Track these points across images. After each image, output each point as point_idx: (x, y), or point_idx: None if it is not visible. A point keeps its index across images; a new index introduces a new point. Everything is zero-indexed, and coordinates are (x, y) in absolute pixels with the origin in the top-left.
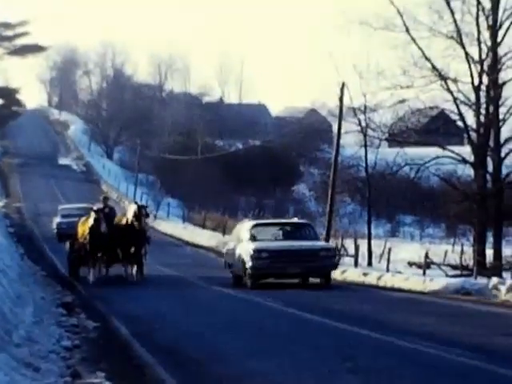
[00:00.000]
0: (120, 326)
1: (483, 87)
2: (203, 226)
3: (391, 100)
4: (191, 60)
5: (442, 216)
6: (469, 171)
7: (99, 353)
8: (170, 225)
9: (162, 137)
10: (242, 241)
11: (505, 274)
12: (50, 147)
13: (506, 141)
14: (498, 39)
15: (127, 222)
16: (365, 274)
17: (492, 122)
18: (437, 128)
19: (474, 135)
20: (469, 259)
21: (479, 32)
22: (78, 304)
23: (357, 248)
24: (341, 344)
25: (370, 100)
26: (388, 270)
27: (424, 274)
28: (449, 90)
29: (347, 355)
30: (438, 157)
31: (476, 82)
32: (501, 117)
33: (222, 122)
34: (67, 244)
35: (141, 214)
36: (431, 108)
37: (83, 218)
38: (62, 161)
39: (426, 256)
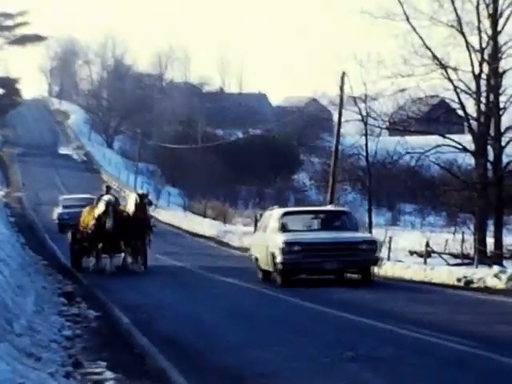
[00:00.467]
0: (121, 315)
1: (484, 76)
2: (204, 215)
3: (392, 89)
4: (191, 50)
5: (442, 205)
6: (469, 160)
7: (100, 342)
8: (171, 214)
9: (162, 126)
10: (271, 231)
11: (506, 263)
12: (51, 137)
13: (507, 129)
14: (499, 28)
15: (128, 212)
16: None
17: (492, 111)
18: (437, 117)
19: (474, 124)
20: (469, 248)
21: (479, 21)
22: (79, 293)
23: None
24: (344, 332)
25: (371, 89)
26: (389, 258)
27: (425, 262)
28: (449, 79)
29: (350, 343)
30: (438, 145)
31: (476, 71)
32: (501, 105)
33: (222, 111)
34: (69, 234)
35: (143, 202)
36: (432, 97)
37: (88, 207)
38: (63, 150)
39: (427, 245)
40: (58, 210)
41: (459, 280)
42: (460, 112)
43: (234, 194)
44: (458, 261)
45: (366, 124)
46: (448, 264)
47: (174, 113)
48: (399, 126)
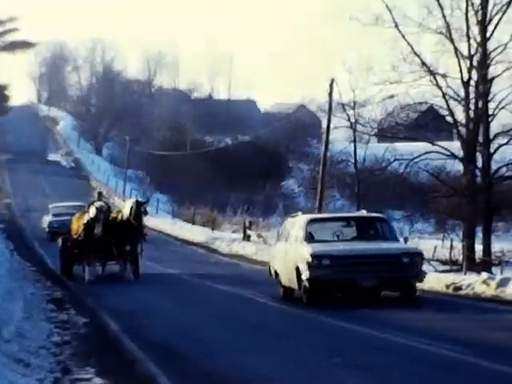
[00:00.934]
0: (110, 322)
1: (472, 82)
2: (192, 222)
3: (380, 95)
4: (180, 56)
5: (431, 211)
6: (458, 166)
7: (89, 348)
8: (160, 220)
9: (151, 132)
10: (295, 242)
11: (494, 269)
12: (40, 143)
13: (496, 136)
14: (488, 34)
15: (122, 218)
16: None
17: (481, 118)
18: (426, 123)
19: (463, 130)
20: (458, 254)
21: (468, 27)
22: (67, 300)
23: None
24: (332, 339)
25: (360, 95)
26: None
27: None
28: (438, 86)
29: (344, 352)
30: (427, 152)
31: (465, 78)
32: (490, 112)
33: (211, 117)
34: (59, 241)
35: (139, 210)
36: (420, 103)
37: (78, 213)
38: (52, 157)
39: None
40: (48, 218)
41: (448, 286)
42: (449, 118)
43: (223, 201)
44: (447, 267)
45: (354, 130)
46: (437, 271)
47: (162, 119)
48: (388, 132)
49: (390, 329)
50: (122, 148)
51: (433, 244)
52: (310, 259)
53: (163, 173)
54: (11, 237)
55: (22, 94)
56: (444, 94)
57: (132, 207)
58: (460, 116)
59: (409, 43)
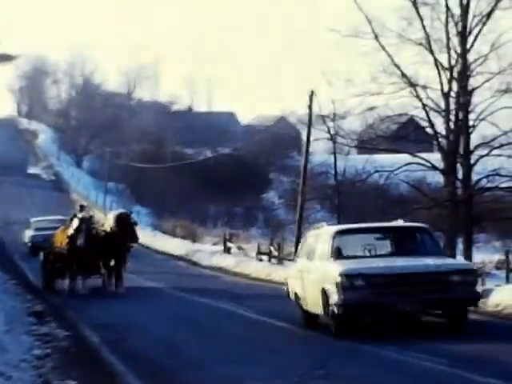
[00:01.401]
0: (91, 335)
1: (453, 94)
2: (173, 234)
3: (360, 107)
4: (160, 68)
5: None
6: (439, 178)
7: (70, 361)
8: (140, 233)
9: (131, 145)
10: (320, 258)
11: None
12: (20, 156)
13: (476, 147)
14: (468, 46)
15: (106, 230)
16: None
17: (461, 129)
18: (406, 135)
19: (443, 142)
20: None
21: (448, 38)
22: (48, 313)
23: None
24: (313, 350)
25: (339, 107)
26: None
27: None
28: (418, 97)
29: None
30: (407, 163)
31: (445, 89)
32: (470, 123)
33: (191, 130)
34: (41, 254)
35: (128, 222)
36: (400, 115)
37: (62, 227)
38: (32, 170)
39: None
40: (30, 233)
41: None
42: (429, 130)
43: (203, 213)
44: None
45: (334, 142)
46: None
47: (143, 132)
48: (368, 144)
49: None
50: (102, 160)
51: None
52: (340, 280)
53: (143, 185)
54: None
55: (1, 108)
56: (424, 106)
57: (120, 219)
58: (440, 127)
59: (389, 54)
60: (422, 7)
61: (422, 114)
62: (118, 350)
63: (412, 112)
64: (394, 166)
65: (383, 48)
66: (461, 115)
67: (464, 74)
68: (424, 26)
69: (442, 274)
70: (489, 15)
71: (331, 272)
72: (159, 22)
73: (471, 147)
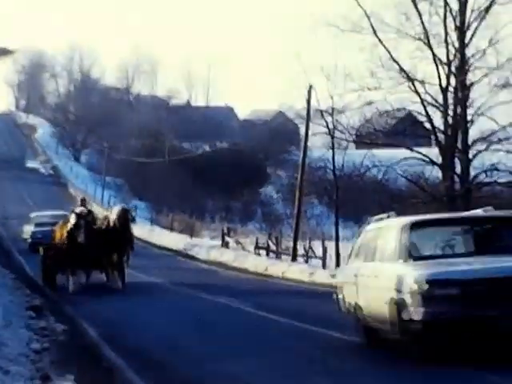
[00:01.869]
0: (89, 329)
1: (451, 89)
2: (171, 229)
3: (359, 102)
4: (158, 63)
5: None
6: (437, 173)
7: (68, 355)
8: (138, 227)
9: (129, 140)
10: (389, 259)
11: None
12: (18, 150)
13: (474, 142)
14: (466, 40)
15: (108, 225)
16: (333, 276)
17: (459, 124)
18: (404, 130)
19: (441, 137)
20: None
21: (447, 33)
22: (46, 307)
23: (325, 250)
24: (311, 345)
25: (338, 102)
26: None
27: None
28: (416, 92)
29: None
30: (405, 158)
31: (444, 84)
32: (468, 118)
33: (189, 124)
34: (41, 249)
35: (126, 218)
36: (399, 110)
37: (61, 222)
38: (30, 164)
39: None
40: (31, 228)
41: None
42: (427, 125)
43: (201, 208)
44: None
45: (332, 137)
46: None
47: (141, 126)
48: (366, 139)
49: None
50: (100, 155)
51: None
52: (420, 287)
53: (141, 180)
54: None
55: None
56: (422, 101)
57: (119, 215)
58: (438, 122)
59: (387, 49)
60: (421, 2)
61: (421, 109)
62: (117, 344)
63: (410, 107)
64: (392, 160)
65: (381, 43)
66: (459, 110)
67: (462, 69)
68: (422, 21)
69: None
70: (487, 10)
71: (405, 277)
72: (157, 16)
73: (469, 142)
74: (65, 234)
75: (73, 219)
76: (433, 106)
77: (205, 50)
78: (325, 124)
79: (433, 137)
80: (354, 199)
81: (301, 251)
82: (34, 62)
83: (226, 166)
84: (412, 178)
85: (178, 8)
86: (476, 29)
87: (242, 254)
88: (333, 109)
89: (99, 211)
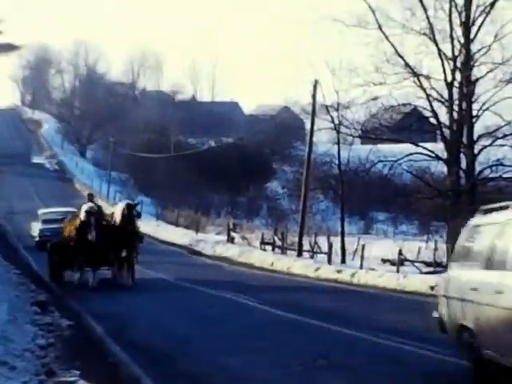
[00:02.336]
0: (94, 324)
1: (456, 84)
2: (176, 224)
3: (364, 97)
4: (164, 58)
5: (415, 213)
6: (442, 168)
7: (74, 351)
8: (143, 223)
9: (135, 135)
10: None
11: None
12: (23, 146)
13: (480, 137)
14: (471, 36)
15: (115, 222)
16: (338, 271)
17: (465, 119)
18: (410, 125)
19: (446, 132)
20: (442, 256)
21: (452, 28)
22: (52, 302)
23: (330, 245)
24: (315, 340)
25: (343, 97)
26: (362, 267)
27: (397, 271)
28: (422, 87)
29: (320, 351)
30: (411, 153)
31: (449, 79)
32: (474, 113)
33: (194, 119)
34: (48, 245)
35: (131, 213)
36: (404, 105)
37: (69, 217)
38: (35, 159)
39: (400, 253)
40: (38, 226)
41: (432, 288)
42: (432, 120)
43: (207, 203)
44: (431, 269)
45: (338, 132)
46: (421, 272)
47: (146, 121)
48: (371, 134)
49: None
50: (105, 150)
51: (417, 246)
52: None
53: (147, 175)
54: None
55: (5, 97)
56: (428, 96)
57: (123, 210)
58: (444, 117)
59: (392, 44)
60: None
61: (426, 104)
62: (122, 339)
63: (415, 102)
64: (398, 155)
65: (387, 38)
66: (464, 105)
67: (467, 64)
68: (428, 16)
69: None
70: (492, 5)
71: None
72: (163, 11)
73: (474, 137)
74: (73, 231)
75: (83, 216)
76: (438, 101)
77: (210, 45)
78: (330, 119)
79: (438, 132)
80: (360, 194)
81: (306, 246)
82: (39, 57)
83: (232, 161)
84: (417, 173)
85: (184, 2)
86: (481, 24)
87: (247, 250)
88: (338, 104)
89: (105, 207)
